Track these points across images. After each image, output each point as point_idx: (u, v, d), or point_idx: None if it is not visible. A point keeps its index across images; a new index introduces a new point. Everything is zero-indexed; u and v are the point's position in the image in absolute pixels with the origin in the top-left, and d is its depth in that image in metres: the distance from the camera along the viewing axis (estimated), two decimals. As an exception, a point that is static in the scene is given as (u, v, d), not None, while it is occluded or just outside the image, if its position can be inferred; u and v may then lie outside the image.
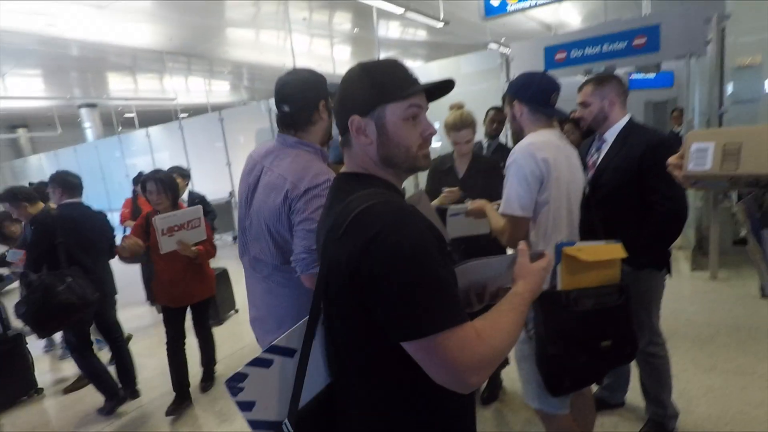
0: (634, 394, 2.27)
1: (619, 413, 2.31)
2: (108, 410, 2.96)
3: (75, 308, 2.54)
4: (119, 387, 3.00)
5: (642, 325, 1.91)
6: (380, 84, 0.88)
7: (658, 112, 9.40)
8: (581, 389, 1.62)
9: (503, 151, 3.86)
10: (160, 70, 10.50)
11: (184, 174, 4.12)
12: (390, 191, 0.89)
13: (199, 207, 2.80)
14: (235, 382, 0.83)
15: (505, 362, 2.47)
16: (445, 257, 0.80)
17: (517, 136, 1.71)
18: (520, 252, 1.00)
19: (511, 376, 2.59)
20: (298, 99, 1.42)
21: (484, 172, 2.31)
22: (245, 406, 0.85)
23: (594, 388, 2.25)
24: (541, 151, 1.52)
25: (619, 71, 4.89)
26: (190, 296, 2.89)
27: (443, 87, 0.94)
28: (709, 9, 4.01)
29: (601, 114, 1.92)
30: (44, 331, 2.73)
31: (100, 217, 2.97)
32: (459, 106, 2.27)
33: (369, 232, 0.76)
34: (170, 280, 2.80)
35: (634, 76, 7.71)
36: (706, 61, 4.15)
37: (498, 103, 5.43)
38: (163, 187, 2.72)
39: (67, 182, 2.86)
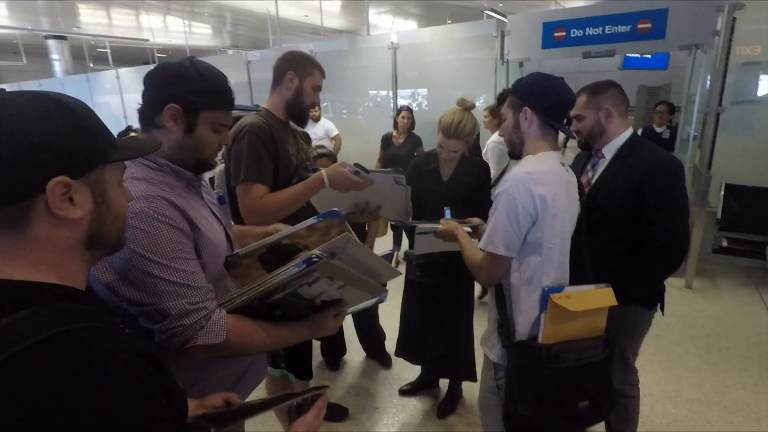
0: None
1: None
2: None
3: None
4: None
5: (618, 362, 1.75)
6: None
7: (652, 97, 9.14)
8: None
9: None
10: (135, 6, 9.68)
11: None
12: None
13: None
14: None
15: (472, 376, 2.31)
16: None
17: (513, 148, 1.44)
18: None
19: (471, 392, 2.45)
20: (146, 93, 1.03)
21: (472, 177, 2.04)
22: None
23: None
24: (539, 186, 1.26)
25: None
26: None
27: None
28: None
29: (597, 127, 1.68)
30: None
31: None
32: (466, 106, 1.94)
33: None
34: None
35: (630, 54, 7.33)
36: (710, 54, 3.88)
37: (490, 71, 5.19)
38: None
39: None
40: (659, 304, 1.76)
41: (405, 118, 4.40)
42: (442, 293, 2.15)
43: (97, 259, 0.69)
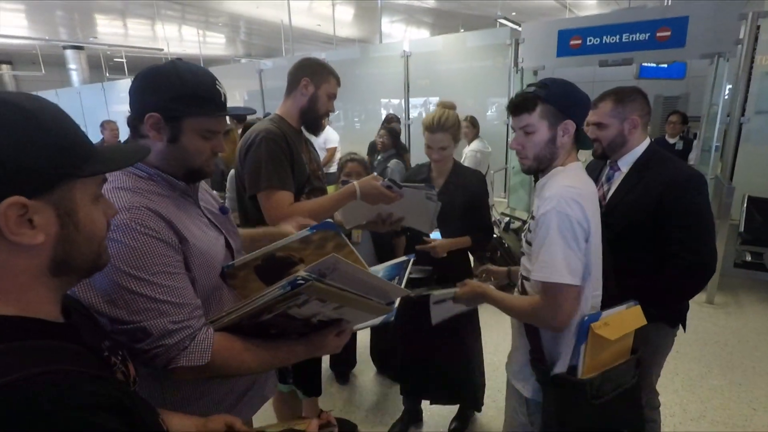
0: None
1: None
2: None
3: None
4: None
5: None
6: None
7: (669, 107, 8.98)
8: None
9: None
10: (151, 16, 9.82)
11: None
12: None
13: None
14: None
15: (476, 404, 2.22)
16: None
17: (540, 164, 1.25)
18: None
19: (484, 410, 2.36)
20: (131, 101, 0.97)
21: (465, 187, 1.94)
22: None
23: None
24: (585, 200, 1.13)
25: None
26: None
27: None
28: (743, 4, 3.61)
29: (620, 138, 1.59)
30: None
31: None
32: (446, 105, 1.88)
33: None
34: None
35: (646, 63, 7.16)
36: (732, 63, 3.77)
37: (503, 79, 5.11)
38: None
39: None
40: (682, 323, 1.68)
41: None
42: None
43: (69, 285, 0.63)
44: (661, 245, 1.50)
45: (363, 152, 5.74)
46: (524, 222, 4.26)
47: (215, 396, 1.05)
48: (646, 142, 1.62)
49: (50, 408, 0.45)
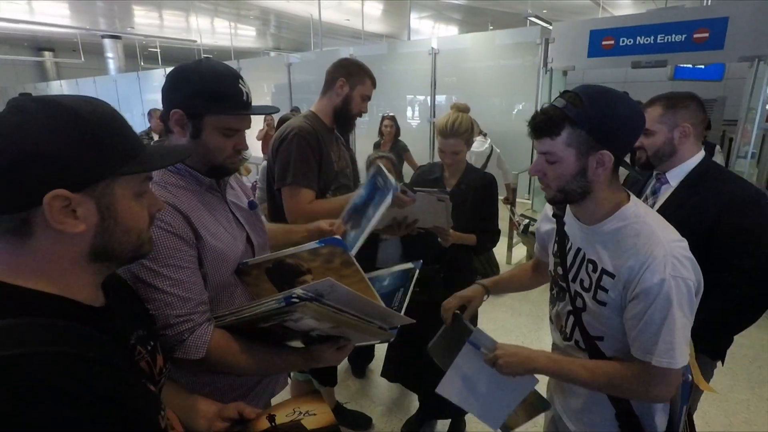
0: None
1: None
2: None
3: None
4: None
5: None
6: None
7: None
8: None
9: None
10: (185, 8, 10.04)
11: None
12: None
13: None
14: None
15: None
16: None
17: (567, 197, 1.03)
18: None
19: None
20: (163, 98, 1.02)
21: (476, 188, 1.93)
22: None
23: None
24: (688, 250, 0.97)
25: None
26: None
27: None
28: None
29: (668, 147, 1.47)
30: None
31: None
32: (459, 108, 1.87)
33: None
34: None
35: (683, 64, 6.89)
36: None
37: (532, 79, 5.03)
38: None
39: None
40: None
41: (388, 126, 4.57)
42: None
43: (109, 269, 0.68)
44: (710, 270, 1.31)
45: (370, 149, 5.79)
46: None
47: (227, 383, 1.09)
48: (701, 154, 1.47)
49: (33, 388, 0.47)
